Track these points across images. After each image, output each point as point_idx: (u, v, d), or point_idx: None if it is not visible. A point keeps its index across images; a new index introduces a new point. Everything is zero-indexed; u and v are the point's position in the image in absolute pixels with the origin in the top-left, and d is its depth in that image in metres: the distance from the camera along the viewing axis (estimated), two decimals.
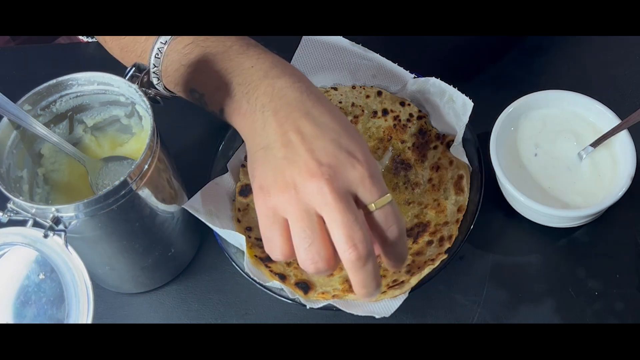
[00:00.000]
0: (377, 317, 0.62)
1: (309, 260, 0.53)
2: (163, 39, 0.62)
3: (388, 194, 0.54)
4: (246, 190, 0.72)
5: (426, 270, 0.64)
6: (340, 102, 0.77)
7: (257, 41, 0.63)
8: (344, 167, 0.53)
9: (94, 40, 0.87)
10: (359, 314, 0.62)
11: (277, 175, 0.53)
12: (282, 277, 0.66)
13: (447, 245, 0.66)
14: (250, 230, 0.69)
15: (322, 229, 0.52)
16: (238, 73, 0.59)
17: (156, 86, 0.64)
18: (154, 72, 0.63)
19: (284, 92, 0.56)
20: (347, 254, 0.52)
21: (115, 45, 0.70)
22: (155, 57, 0.63)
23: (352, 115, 0.76)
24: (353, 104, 0.77)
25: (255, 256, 0.68)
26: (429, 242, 0.67)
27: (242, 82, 0.59)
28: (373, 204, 0.53)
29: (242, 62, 0.59)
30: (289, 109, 0.55)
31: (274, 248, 0.54)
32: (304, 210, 0.52)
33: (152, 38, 0.63)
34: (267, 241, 0.55)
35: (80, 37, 0.88)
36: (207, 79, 0.61)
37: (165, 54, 0.63)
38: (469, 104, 0.70)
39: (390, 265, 0.57)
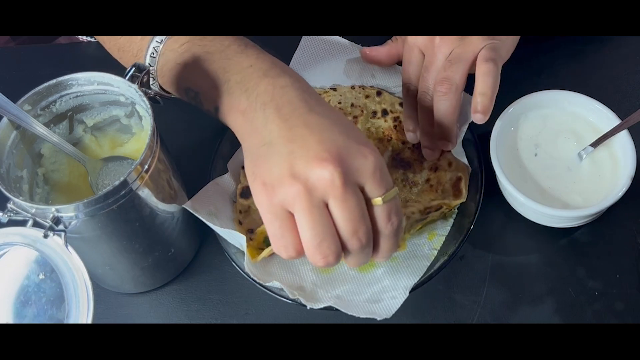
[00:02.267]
0: (378, 319, 0.62)
1: (319, 255, 0.52)
2: (159, 38, 0.62)
3: (394, 188, 0.54)
4: (247, 192, 0.71)
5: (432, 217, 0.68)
6: (340, 103, 0.77)
7: (256, 41, 0.63)
8: (354, 158, 0.52)
9: (94, 40, 0.87)
10: (360, 315, 0.62)
11: (283, 169, 0.52)
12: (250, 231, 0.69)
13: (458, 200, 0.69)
14: (252, 232, 0.69)
15: (331, 222, 0.52)
16: (237, 71, 0.59)
17: (151, 86, 0.64)
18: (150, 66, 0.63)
19: (285, 90, 0.56)
20: (350, 245, 0.53)
21: (113, 45, 0.71)
22: (150, 56, 0.63)
23: (351, 115, 0.76)
24: (352, 105, 0.77)
25: (240, 222, 0.70)
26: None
27: (240, 80, 0.58)
28: (380, 199, 0.53)
29: (241, 61, 0.59)
30: (292, 106, 0.55)
31: (287, 246, 0.53)
32: (313, 204, 0.51)
33: (148, 37, 0.63)
34: (276, 240, 0.54)
35: (81, 37, 0.89)
36: (203, 77, 0.61)
37: (160, 52, 0.63)
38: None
39: (377, 257, 0.57)
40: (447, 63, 0.67)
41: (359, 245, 0.53)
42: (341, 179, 0.51)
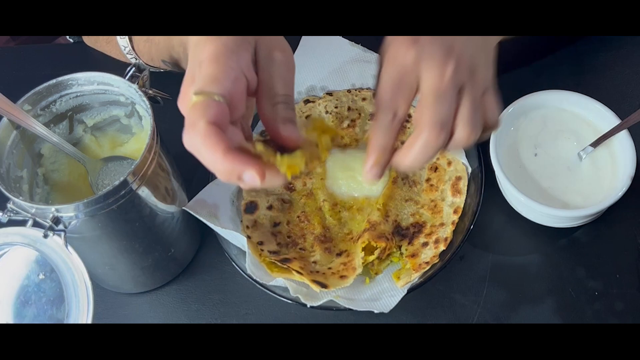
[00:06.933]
0: (375, 312, 0.62)
1: None
2: None
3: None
4: (252, 207, 0.71)
5: (416, 275, 0.64)
6: (336, 107, 0.76)
7: None
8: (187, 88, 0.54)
9: (78, 40, 0.88)
10: (358, 309, 0.62)
11: None
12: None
13: (441, 247, 0.66)
14: (262, 244, 0.69)
15: None
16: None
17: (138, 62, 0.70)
18: (128, 53, 0.69)
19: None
20: None
21: (102, 40, 0.74)
22: (120, 37, 0.69)
23: (349, 119, 0.76)
24: (349, 108, 0.77)
25: (271, 262, 0.67)
26: (424, 244, 0.67)
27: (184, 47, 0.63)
28: None
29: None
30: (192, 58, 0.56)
31: None
32: None
33: None
34: None
35: (68, 37, 0.89)
36: (170, 50, 0.66)
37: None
38: None
39: None
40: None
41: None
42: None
